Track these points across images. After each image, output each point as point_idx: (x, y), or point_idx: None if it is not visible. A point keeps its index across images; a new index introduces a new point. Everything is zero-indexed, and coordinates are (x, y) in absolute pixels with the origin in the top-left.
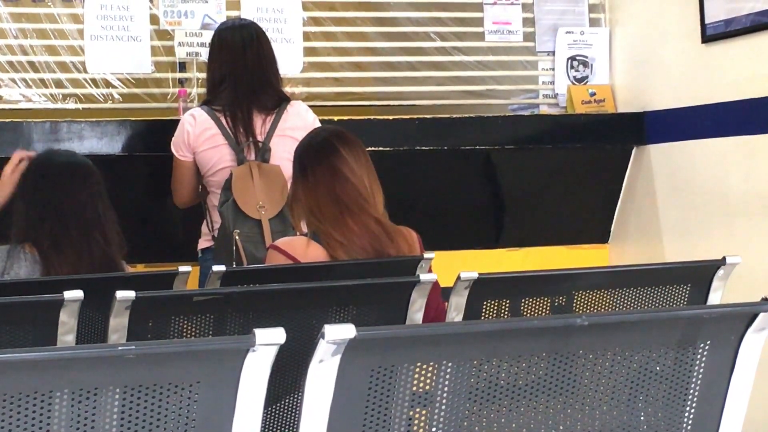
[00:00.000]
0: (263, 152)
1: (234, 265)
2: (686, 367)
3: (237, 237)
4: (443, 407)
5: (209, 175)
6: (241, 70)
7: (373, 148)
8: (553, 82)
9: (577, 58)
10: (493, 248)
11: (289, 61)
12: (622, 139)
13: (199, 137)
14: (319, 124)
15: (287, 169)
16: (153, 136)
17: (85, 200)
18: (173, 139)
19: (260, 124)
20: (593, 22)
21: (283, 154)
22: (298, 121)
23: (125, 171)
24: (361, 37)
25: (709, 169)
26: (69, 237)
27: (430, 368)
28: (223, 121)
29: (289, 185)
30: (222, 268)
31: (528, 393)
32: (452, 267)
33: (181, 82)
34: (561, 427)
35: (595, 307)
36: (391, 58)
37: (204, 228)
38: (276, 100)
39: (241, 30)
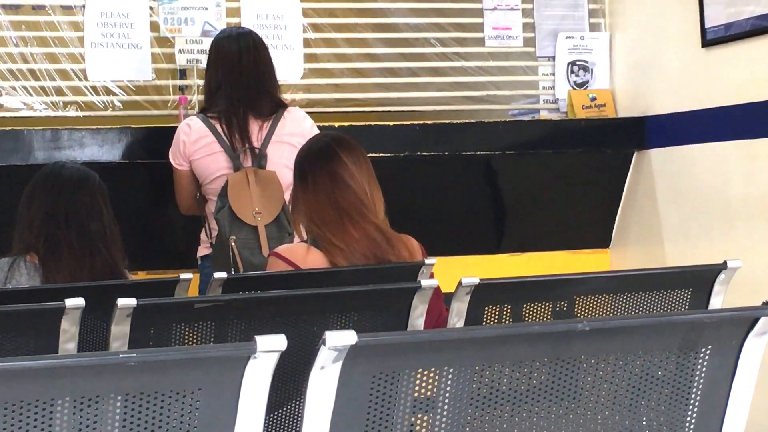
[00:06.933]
0: (260, 158)
1: (232, 272)
2: (688, 371)
3: (233, 244)
4: (445, 413)
5: (207, 183)
6: (236, 77)
7: (373, 154)
8: (553, 87)
9: (578, 62)
10: (494, 254)
11: (290, 67)
12: (622, 143)
13: (195, 145)
14: (317, 131)
15: (284, 176)
16: (153, 143)
17: (89, 211)
18: (171, 148)
19: (257, 131)
20: (593, 27)
21: (280, 160)
22: (295, 128)
23: (126, 178)
24: (362, 44)
25: (709, 174)
26: (70, 245)
27: (432, 374)
28: (219, 128)
29: (286, 192)
30: (223, 275)
31: (530, 398)
32: (453, 272)
33: (182, 89)
34: None
35: (597, 312)
36: (391, 64)
37: (203, 235)
38: (273, 107)
39: (238, 38)
